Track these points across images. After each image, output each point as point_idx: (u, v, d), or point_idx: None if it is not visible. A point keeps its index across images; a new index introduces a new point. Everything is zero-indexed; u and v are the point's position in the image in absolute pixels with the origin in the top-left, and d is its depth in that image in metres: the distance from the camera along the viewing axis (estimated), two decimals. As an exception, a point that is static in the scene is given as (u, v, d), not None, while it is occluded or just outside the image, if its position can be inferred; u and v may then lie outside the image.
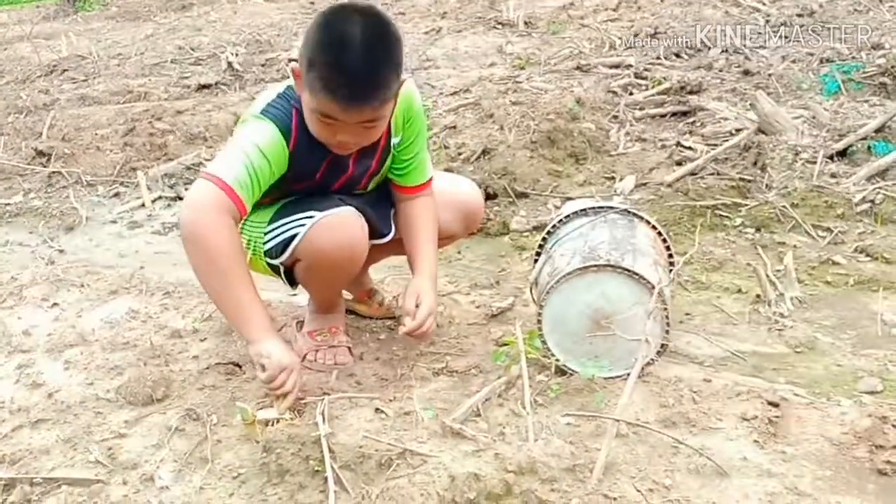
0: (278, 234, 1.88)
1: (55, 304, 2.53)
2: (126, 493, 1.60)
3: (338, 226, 1.84)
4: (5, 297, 2.60)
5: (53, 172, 4.07)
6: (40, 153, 4.26)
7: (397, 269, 2.62)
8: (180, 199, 3.72)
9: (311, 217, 1.83)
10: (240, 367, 2.05)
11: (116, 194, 3.86)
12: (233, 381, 1.99)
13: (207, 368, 2.04)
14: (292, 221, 1.86)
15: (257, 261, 1.94)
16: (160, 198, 3.74)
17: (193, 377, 2.00)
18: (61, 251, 3.21)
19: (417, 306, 1.94)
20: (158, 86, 5.76)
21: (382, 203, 2.10)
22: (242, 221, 1.84)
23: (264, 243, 1.90)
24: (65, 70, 6.79)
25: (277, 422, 1.71)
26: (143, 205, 3.68)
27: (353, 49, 1.64)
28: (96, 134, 4.62)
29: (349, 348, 2.10)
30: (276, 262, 1.91)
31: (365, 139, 1.81)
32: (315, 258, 1.86)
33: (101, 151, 4.33)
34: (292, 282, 2.00)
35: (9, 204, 3.78)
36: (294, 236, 1.84)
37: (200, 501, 1.56)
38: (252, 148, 1.76)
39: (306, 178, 1.90)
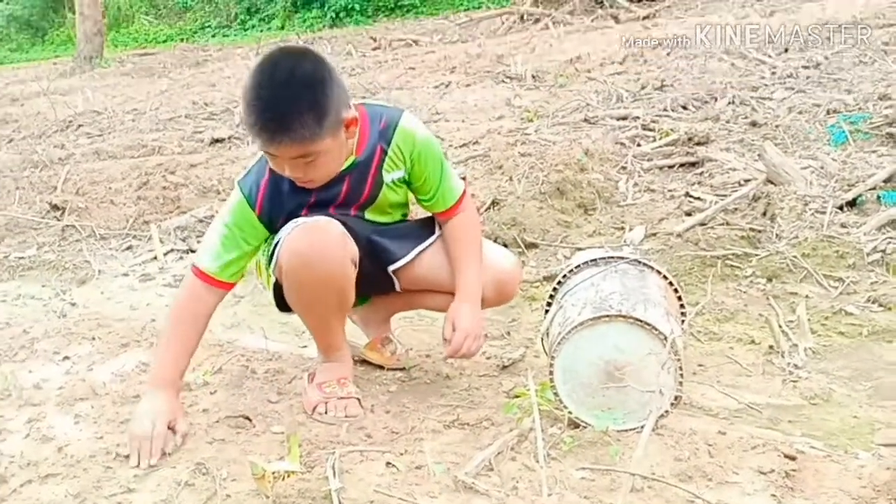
0: (272, 245, 1.98)
1: (66, 358, 2.53)
2: (134, 549, 1.58)
3: (313, 231, 1.90)
4: (17, 351, 2.61)
5: (67, 226, 4.11)
6: (55, 207, 4.31)
7: (407, 319, 2.63)
8: (192, 251, 3.74)
9: (294, 224, 1.93)
10: (250, 420, 2.04)
11: (129, 247, 3.89)
12: (242, 434, 1.98)
13: (217, 422, 2.03)
14: (282, 231, 1.96)
15: (268, 279, 2.07)
16: (172, 250, 3.76)
17: (203, 431, 1.99)
18: (73, 304, 3.22)
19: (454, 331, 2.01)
20: (172, 140, 5.85)
21: (395, 232, 2.14)
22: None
23: (267, 257, 2.01)
24: (80, 125, 6.91)
25: (288, 476, 1.69)
26: (155, 258, 3.70)
27: (268, 87, 1.76)
28: (110, 188, 4.67)
29: (359, 400, 2.08)
30: (269, 271, 2.02)
31: (314, 174, 1.88)
32: (291, 263, 1.91)
33: (115, 205, 4.37)
34: (283, 305, 2.09)
35: (22, 257, 3.81)
36: (279, 243, 1.95)
37: (209, 558, 1.54)
38: (221, 229, 1.97)
39: (295, 216, 1.98)
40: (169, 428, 1.89)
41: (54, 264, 3.68)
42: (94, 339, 2.66)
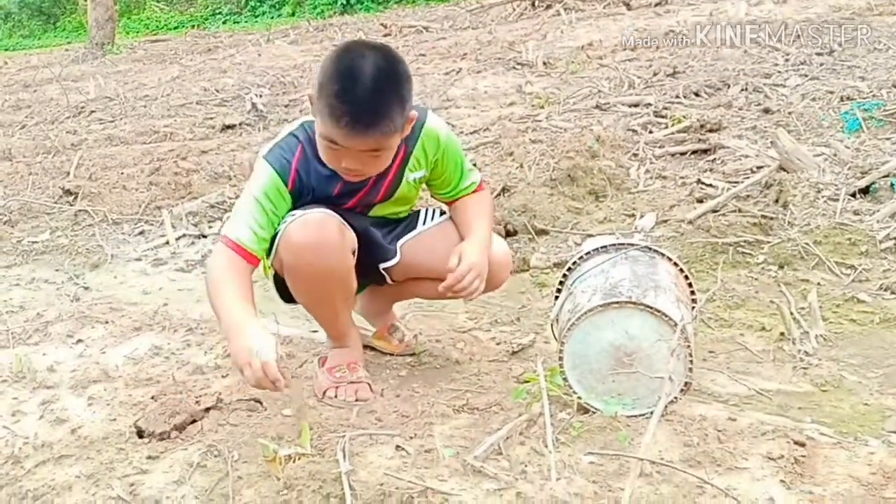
0: (275, 237, 1.97)
1: (80, 341, 2.56)
2: (147, 529, 1.60)
3: (311, 223, 1.91)
4: (31, 334, 2.63)
5: (80, 211, 4.14)
6: (67, 192, 4.33)
7: (418, 304, 2.63)
8: (204, 236, 3.76)
9: (293, 215, 1.93)
10: (261, 403, 2.05)
11: (141, 232, 3.91)
12: (254, 417, 1.99)
13: (229, 405, 2.05)
14: (283, 222, 1.95)
15: (267, 269, 2.06)
16: (184, 236, 3.78)
17: (215, 413, 2.00)
18: (86, 288, 3.25)
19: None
20: (184, 126, 5.88)
21: (389, 228, 2.15)
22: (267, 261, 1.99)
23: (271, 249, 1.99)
24: (92, 111, 6.94)
25: (299, 458, 1.71)
26: (167, 242, 3.72)
27: (361, 79, 1.74)
28: (122, 173, 4.70)
29: (369, 384, 2.10)
30: (269, 262, 2.01)
31: (370, 168, 1.89)
32: (291, 257, 1.93)
33: (127, 190, 4.40)
34: (286, 295, 2.09)
35: (35, 242, 3.84)
36: (278, 236, 1.95)
37: (221, 538, 1.56)
38: (251, 202, 1.93)
39: (321, 201, 1.99)
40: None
41: (67, 249, 3.71)
42: (107, 322, 2.68)
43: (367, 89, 1.74)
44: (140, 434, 1.92)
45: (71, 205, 4.22)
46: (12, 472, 1.83)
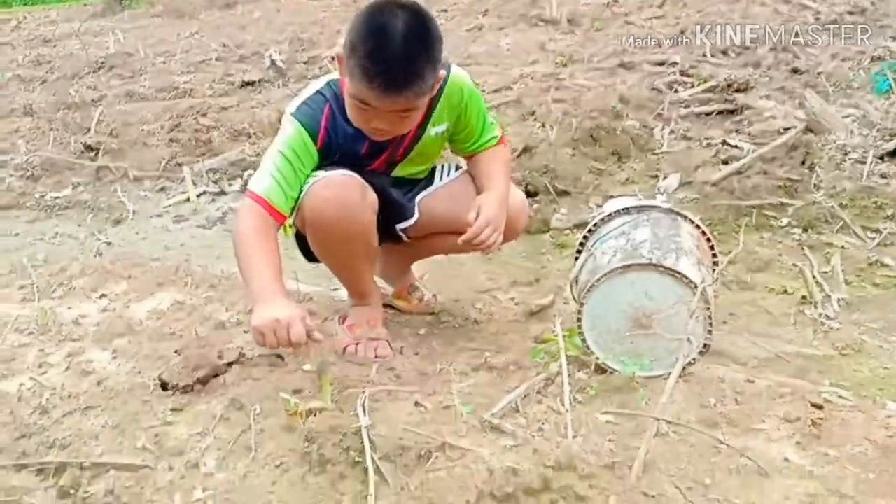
0: (298, 198, 1.98)
1: (103, 295, 2.59)
2: (172, 478, 1.63)
3: (333, 185, 1.92)
4: (55, 288, 2.67)
5: (101, 167, 4.17)
6: (89, 148, 4.36)
7: (437, 264, 2.64)
8: (224, 193, 3.78)
9: (315, 177, 1.94)
10: (282, 358, 2.08)
11: (162, 188, 3.94)
12: (276, 372, 2.02)
13: (251, 359, 2.08)
14: (306, 184, 1.96)
15: (287, 229, 2.06)
16: (205, 192, 3.80)
17: (238, 368, 2.03)
18: (109, 244, 3.28)
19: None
20: (203, 83, 5.86)
21: (408, 188, 2.15)
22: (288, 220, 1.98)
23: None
24: (112, 67, 6.93)
25: (319, 412, 1.73)
26: (188, 199, 3.74)
27: (393, 40, 1.71)
28: (143, 129, 4.71)
29: (388, 342, 2.12)
30: (290, 221, 2.01)
31: (399, 128, 1.88)
32: (314, 217, 1.95)
33: (148, 146, 4.42)
34: (309, 254, 2.12)
35: (58, 197, 3.87)
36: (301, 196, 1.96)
37: (244, 489, 1.59)
38: (279, 158, 1.92)
39: (348, 159, 1.98)
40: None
41: (89, 204, 3.74)
42: (129, 277, 2.71)
43: (400, 49, 1.71)
44: (164, 387, 1.95)
45: (92, 160, 4.24)
46: (40, 421, 1.87)
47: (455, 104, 2.02)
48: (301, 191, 1.95)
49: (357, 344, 2.09)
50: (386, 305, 2.30)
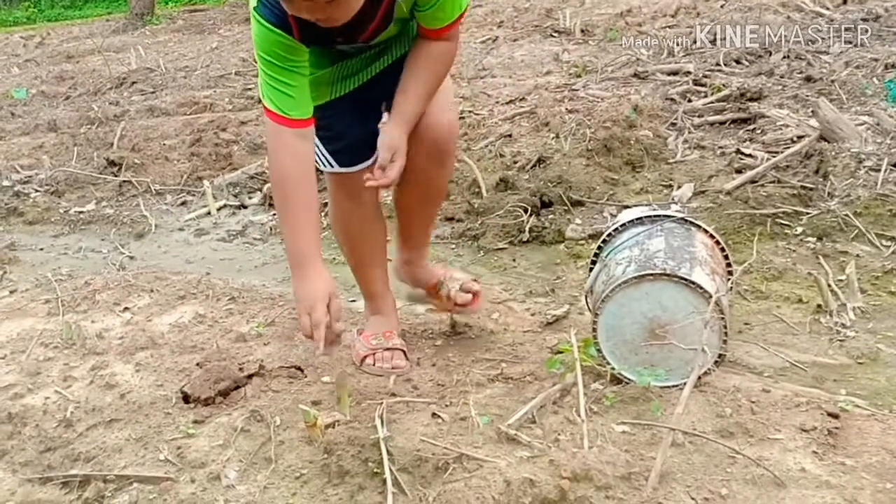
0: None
1: (126, 309, 2.64)
2: (194, 490, 1.66)
3: (351, 186, 2.08)
4: (79, 301, 2.72)
5: (124, 181, 4.23)
6: (111, 163, 4.43)
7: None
8: (244, 207, 3.83)
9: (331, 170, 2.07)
10: (302, 370, 2.12)
11: (184, 203, 4.00)
12: (295, 384, 2.05)
13: (271, 371, 2.11)
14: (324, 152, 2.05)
15: None
16: (225, 206, 3.85)
17: (258, 380, 2.07)
18: (132, 257, 3.34)
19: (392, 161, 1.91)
20: (223, 97, 5.94)
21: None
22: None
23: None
24: (134, 82, 7.04)
25: (338, 424, 1.76)
26: (209, 213, 3.80)
27: None
28: (164, 144, 4.79)
29: (404, 352, 2.14)
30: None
31: (337, 14, 1.68)
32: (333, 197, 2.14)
33: (169, 161, 4.48)
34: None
35: (82, 212, 3.94)
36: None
37: (264, 500, 1.62)
38: (269, 68, 1.81)
39: (329, 44, 1.90)
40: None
41: (112, 219, 3.80)
42: (152, 291, 2.76)
43: None
44: (186, 399, 1.99)
45: (115, 175, 4.31)
46: (65, 434, 1.91)
47: None
48: (306, 78, 1.85)
49: (374, 353, 2.12)
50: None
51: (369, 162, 2.02)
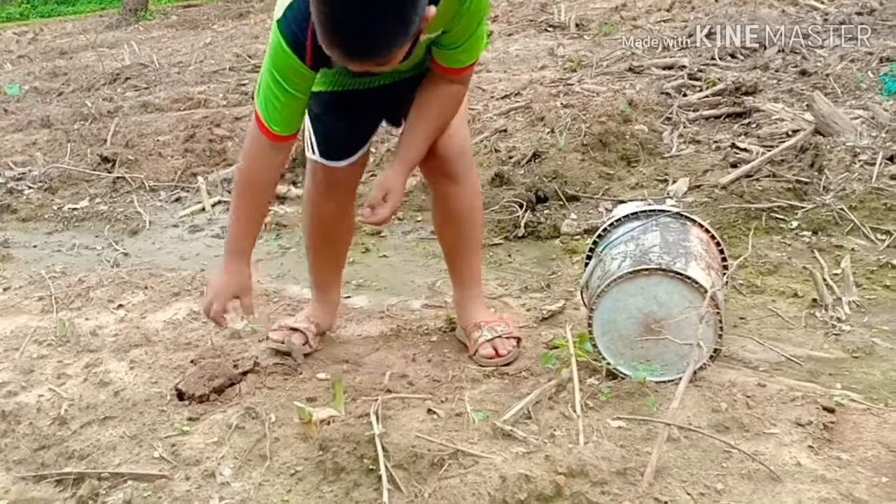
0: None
1: (120, 306, 2.63)
2: (189, 488, 1.66)
3: (335, 190, 2.13)
4: (73, 299, 2.71)
5: (118, 178, 4.21)
6: (105, 159, 4.40)
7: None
8: (238, 203, 3.82)
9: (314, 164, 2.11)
10: (297, 368, 2.11)
11: (178, 199, 3.98)
12: (290, 381, 2.05)
13: (265, 368, 2.11)
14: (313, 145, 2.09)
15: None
16: (219, 202, 3.84)
17: (252, 377, 2.06)
18: (126, 254, 3.32)
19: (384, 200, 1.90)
20: (217, 93, 5.92)
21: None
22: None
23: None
24: (127, 78, 7.01)
25: (333, 421, 1.76)
26: (203, 209, 3.78)
27: (351, 7, 1.46)
28: (158, 140, 4.77)
29: (308, 335, 2.21)
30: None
31: (382, 71, 1.66)
32: (310, 196, 2.18)
33: (163, 157, 4.46)
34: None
35: (76, 208, 3.92)
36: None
37: (259, 497, 1.62)
38: (273, 81, 1.80)
39: (341, 73, 1.92)
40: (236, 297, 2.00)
41: (106, 215, 3.79)
42: (146, 288, 2.75)
43: (359, 18, 1.46)
44: (180, 396, 1.99)
45: (109, 172, 4.29)
46: (59, 432, 1.90)
47: (452, 13, 1.75)
48: (303, 102, 1.86)
49: (280, 329, 2.23)
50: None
51: (352, 159, 2.07)
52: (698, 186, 3.24)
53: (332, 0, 1.47)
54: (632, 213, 2.18)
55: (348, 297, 2.57)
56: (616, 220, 2.19)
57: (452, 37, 1.81)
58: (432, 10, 1.59)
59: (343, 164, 2.07)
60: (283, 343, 2.18)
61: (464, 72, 1.90)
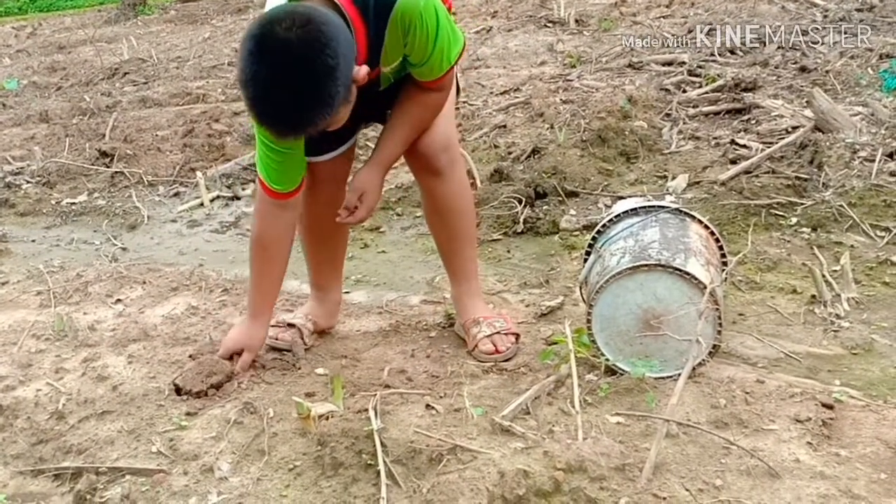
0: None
1: (119, 301, 2.63)
2: (187, 482, 1.66)
3: (323, 200, 2.14)
4: (71, 293, 2.71)
5: (116, 173, 4.20)
6: (103, 154, 4.40)
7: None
8: (237, 198, 3.81)
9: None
10: (295, 364, 2.11)
11: (176, 194, 3.97)
12: (288, 376, 2.05)
13: (264, 364, 2.10)
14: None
15: None
16: (218, 197, 3.83)
17: (251, 372, 2.06)
18: (124, 249, 3.32)
19: (360, 200, 1.96)
20: (216, 88, 5.91)
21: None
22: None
23: None
24: (126, 73, 7.00)
25: (331, 416, 1.76)
26: (201, 204, 3.78)
27: (271, 91, 1.56)
28: (157, 135, 4.76)
29: (303, 332, 2.21)
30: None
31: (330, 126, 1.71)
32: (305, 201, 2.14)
33: (162, 152, 4.46)
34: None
35: (74, 203, 3.92)
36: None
37: (257, 492, 1.61)
38: (261, 143, 1.93)
39: None
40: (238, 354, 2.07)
41: (105, 210, 3.78)
42: (144, 282, 2.75)
43: (280, 104, 1.56)
44: (178, 392, 1.98)
45: (107, 167, 4.29)
46: (57, 427, 1.90)
47: (399, 47, 1.81)
48: (298, 156, 1.94)
49: (277, 326, 2.23)
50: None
51: (334, 153, 2.08)
52: (698, 182, 3.24)
53: (251, 86, 1.57)
54: (631, 209, 2.17)
55: (347, 292, 2.56)
56: (615, 216, 2.18)
57: (414, 59, 1.86)
58: (363, 70, 1.67)
59: (325, 158, 2.07)
60: (276, 339, 2.18)
61: (439, 82, 1.92)
